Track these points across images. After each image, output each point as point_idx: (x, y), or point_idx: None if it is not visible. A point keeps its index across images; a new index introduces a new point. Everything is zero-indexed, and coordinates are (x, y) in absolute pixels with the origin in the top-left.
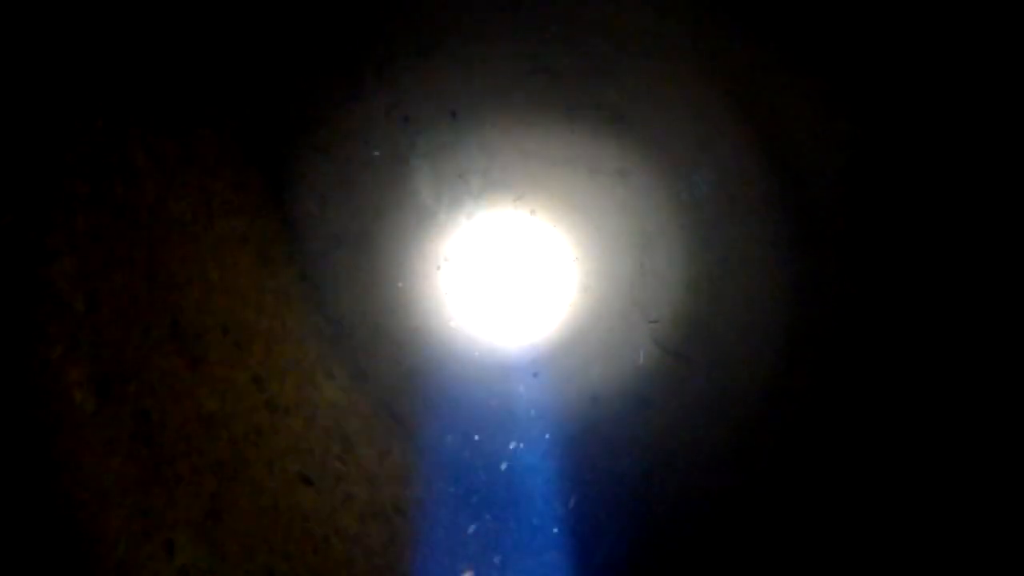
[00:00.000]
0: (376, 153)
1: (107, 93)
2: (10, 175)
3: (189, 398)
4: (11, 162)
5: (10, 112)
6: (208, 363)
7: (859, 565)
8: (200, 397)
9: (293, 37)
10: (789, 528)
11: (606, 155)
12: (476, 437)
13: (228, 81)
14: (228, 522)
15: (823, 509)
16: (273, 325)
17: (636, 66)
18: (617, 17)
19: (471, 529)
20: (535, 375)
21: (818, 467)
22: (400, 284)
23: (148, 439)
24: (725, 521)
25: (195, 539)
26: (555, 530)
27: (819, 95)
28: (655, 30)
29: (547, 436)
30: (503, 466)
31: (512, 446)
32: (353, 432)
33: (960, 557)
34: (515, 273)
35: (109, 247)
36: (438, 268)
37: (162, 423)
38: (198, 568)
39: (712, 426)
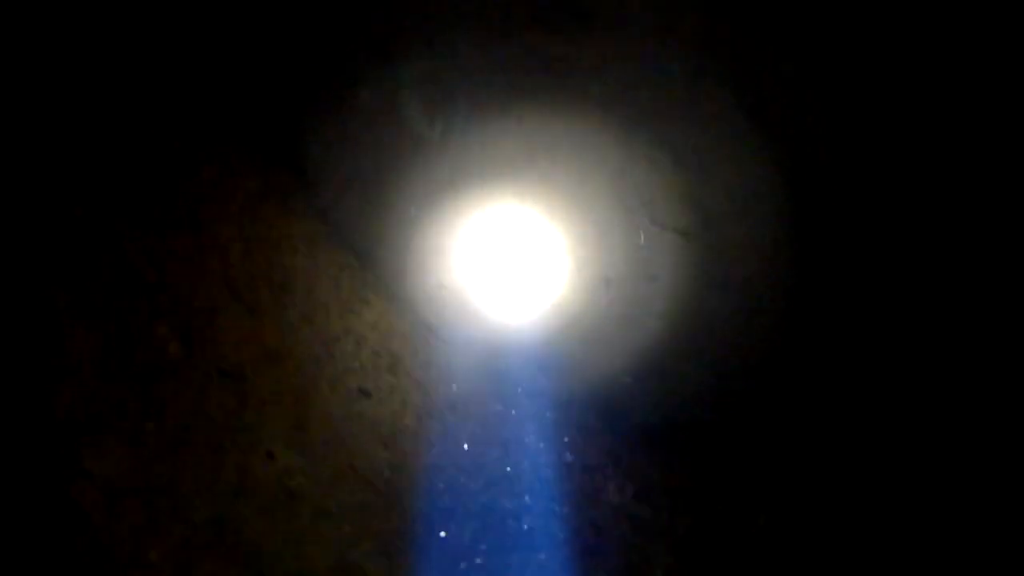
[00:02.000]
0: (365, 93)
1: (139, 83)
2: (74, 174)
3: (254, 339)
4: (74, 163)
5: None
6: (262, 308)
7: (862, 426)
8: (262, 337)
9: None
10: (789, 387)
11: (578, 56)
12: (503, 325)
13: (233, 60)
14: (310, 432)
15: (821, 363)
16: (308, 267)
17: None
18: None
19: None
20: (551, 272)
21: (813, 323)
22: (413, 209)
23: (233, 376)
24: (730, 379)
25: (287, 447)
26: (576, 403)
27: None
28: None
29: (567, 322)
30: (533, 354)
31: (536, 338)
32: (397, 347)
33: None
34: (511, 175)
35: (164, 221)
36: (444, 191)
37: (239, 362)
38: (295, 467)
39: (714, 291)
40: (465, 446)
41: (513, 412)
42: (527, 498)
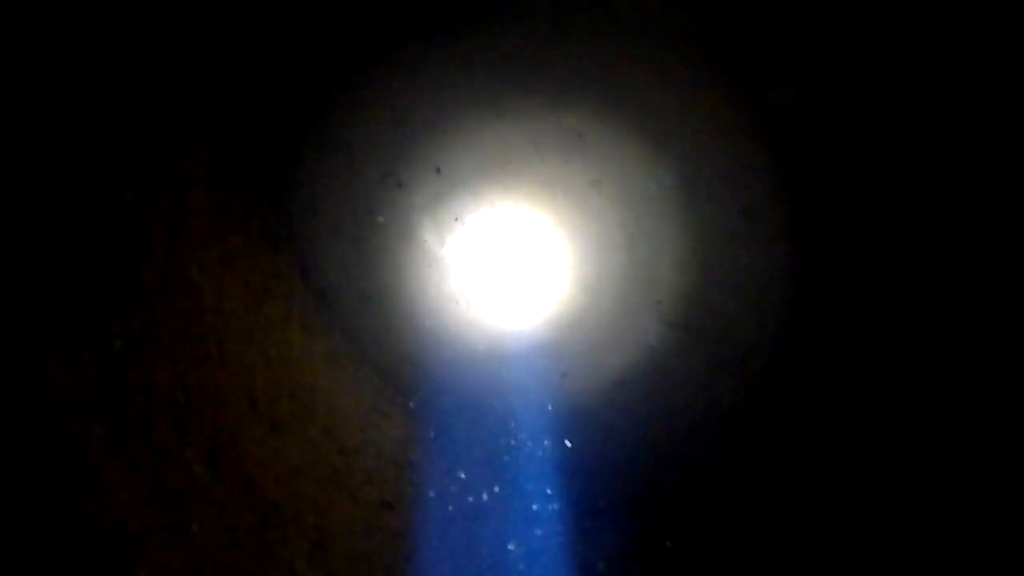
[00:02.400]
0: (381, 219)
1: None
2: (107, 308)
3: (277, 456)
4: (104, 300)
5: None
6: (284, 425)
7: (860, 512)
8: (285, 454)
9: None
10: (797, 475)
11: (578, 171)
12: (517, 443)
13: (258, 194)
14: (333, 547)
15: (824, 453)
16: (329, 384)
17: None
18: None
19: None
20: (563, 375)
21: (819, 408)
22: (427, 323)
23: (256, 493)
24: (741, 470)
25: (310, 565)
26: (598, 494)
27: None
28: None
29: (581, 425)
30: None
31: (547, 442)
32: (417, 459)
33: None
34: (519, 278)
35: (192, 349)
36: (456, 303)
37: (263, 479)
38: None
39: (724, 387)
40: (487, 554)
41: (533, 510)
42: None
